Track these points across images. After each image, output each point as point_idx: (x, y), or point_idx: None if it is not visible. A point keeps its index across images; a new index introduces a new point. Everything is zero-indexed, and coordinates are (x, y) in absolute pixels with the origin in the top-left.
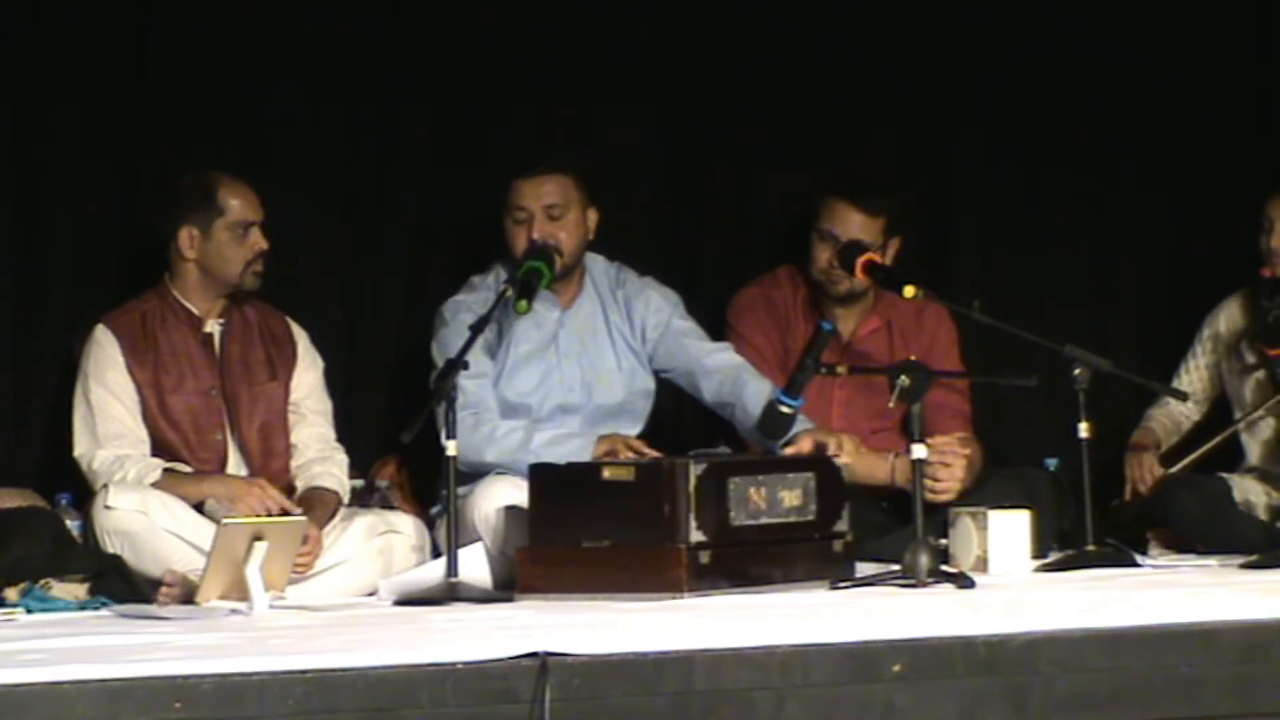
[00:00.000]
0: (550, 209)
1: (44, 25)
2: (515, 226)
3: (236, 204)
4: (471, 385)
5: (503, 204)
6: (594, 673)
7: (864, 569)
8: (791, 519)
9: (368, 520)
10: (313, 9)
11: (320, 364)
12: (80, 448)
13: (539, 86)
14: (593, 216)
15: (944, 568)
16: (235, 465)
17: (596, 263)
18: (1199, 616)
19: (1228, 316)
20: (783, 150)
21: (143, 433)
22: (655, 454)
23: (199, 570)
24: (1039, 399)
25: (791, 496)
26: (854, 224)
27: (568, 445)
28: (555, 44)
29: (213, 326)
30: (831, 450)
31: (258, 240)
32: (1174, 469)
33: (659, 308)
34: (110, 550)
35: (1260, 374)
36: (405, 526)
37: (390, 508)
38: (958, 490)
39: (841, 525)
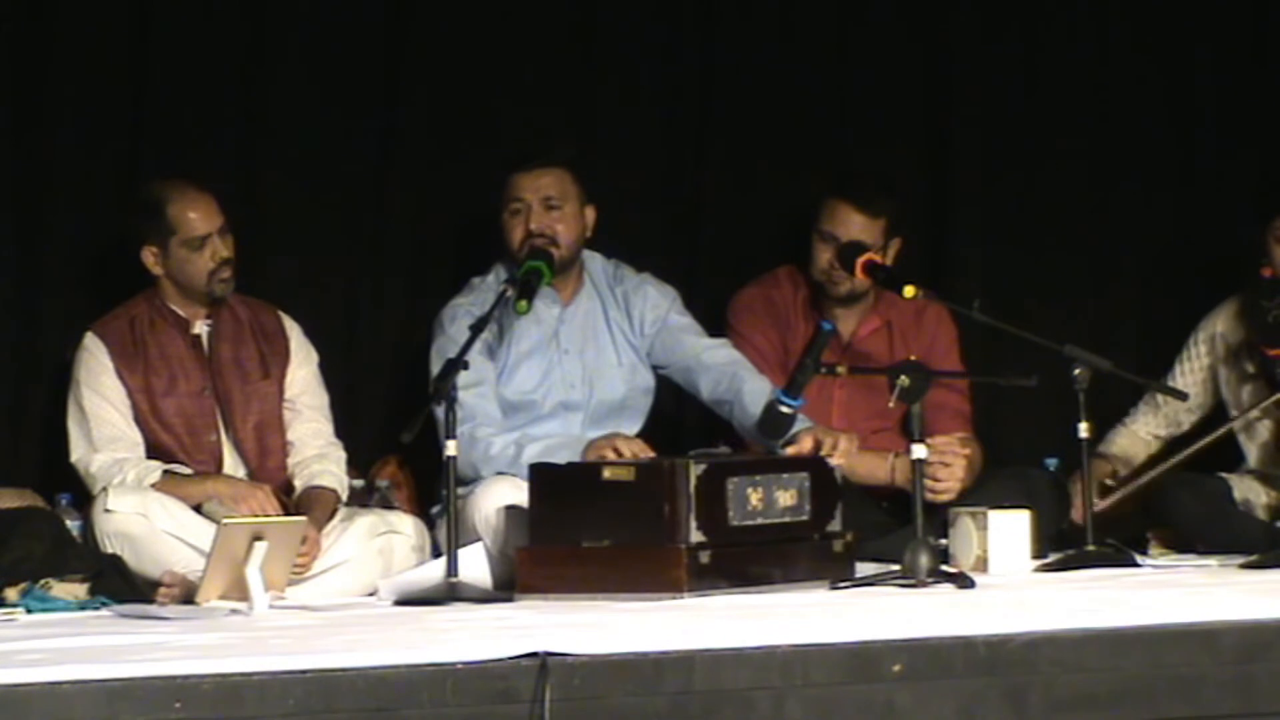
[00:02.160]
0: (548, 200)
1: (43, 26)
2: (512, 218)
3: (189, 218)
4: (467, 397)
5: (500, 198)
6: (594, 673)
7: (864, 569)
8: (786, 519)
9: (368, 520)
10: (312, 8)
11: (315, 357)
12: (76, 453)
13: (539, 85)
14: (590, 213)
15: (944, 568)
16: (231, 466)
17: (595, 260)
18: (1199, 616)
19: (1226, 320)
20: (783, 150)
21: (137, 436)
22: (650, 452)
23: (198, 571)
24: (1039, 399)
25: (787, 496)
26: (855, 225)
27: (557, 457)
28: (555, 43)
29: (200, 328)
30: (825, 450)
31: (217, 250)
32: (1112, 498)
33: (656, 303)
34: (110, 552)
35: (1259, 378)
36: (405, 526)
37: (390, 508)
38: (958, 490)
39: (835, 525)
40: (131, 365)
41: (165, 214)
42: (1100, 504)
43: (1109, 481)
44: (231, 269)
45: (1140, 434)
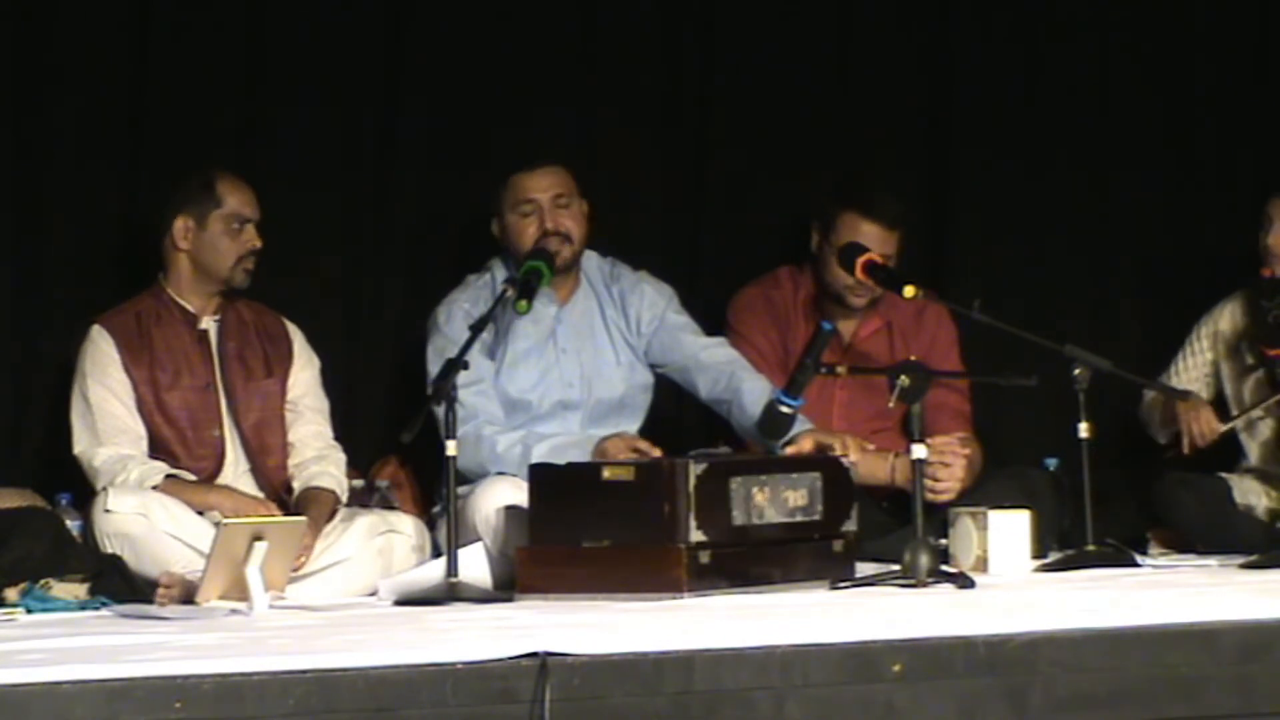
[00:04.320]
0: (558, 199)
1: (43, 26)
2: (523, 220)
3: (234, 198)
4: (467, 395)
5: (505, 202)
6: (594, 673)
7: (864, 569)
8: (797, 519)
9: (368, 520)
10: (312, 8)
11: (316, 362)
12: (80, 446)
13: (539, 86)
14: (586, 207)
15: (944, 568)
16: (233, 461)
17: (590, 259)
18: (1199, 616)
19: (1229, 316)
20: (783, 150)
21: (141, 430)
22: (657, 451)
23: (198, 571)
24: (1039, 399)
25: (796, 497)
26: (875, 240)
27: (566, 455)
28: (555, 43)
29: (208, 323)
30: (838, 451)
31: (252, 238)
32: (1228, 425)
33: (653, 301)
34: (110, 552)
35: (1260, 374)
36: (405, 526)
37: (390, 508)
38: (958, 490)
39: (850, 525)
40: (137, 358)
41: (215, 187)
42: (1225, 426)
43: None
44: (255, 263)
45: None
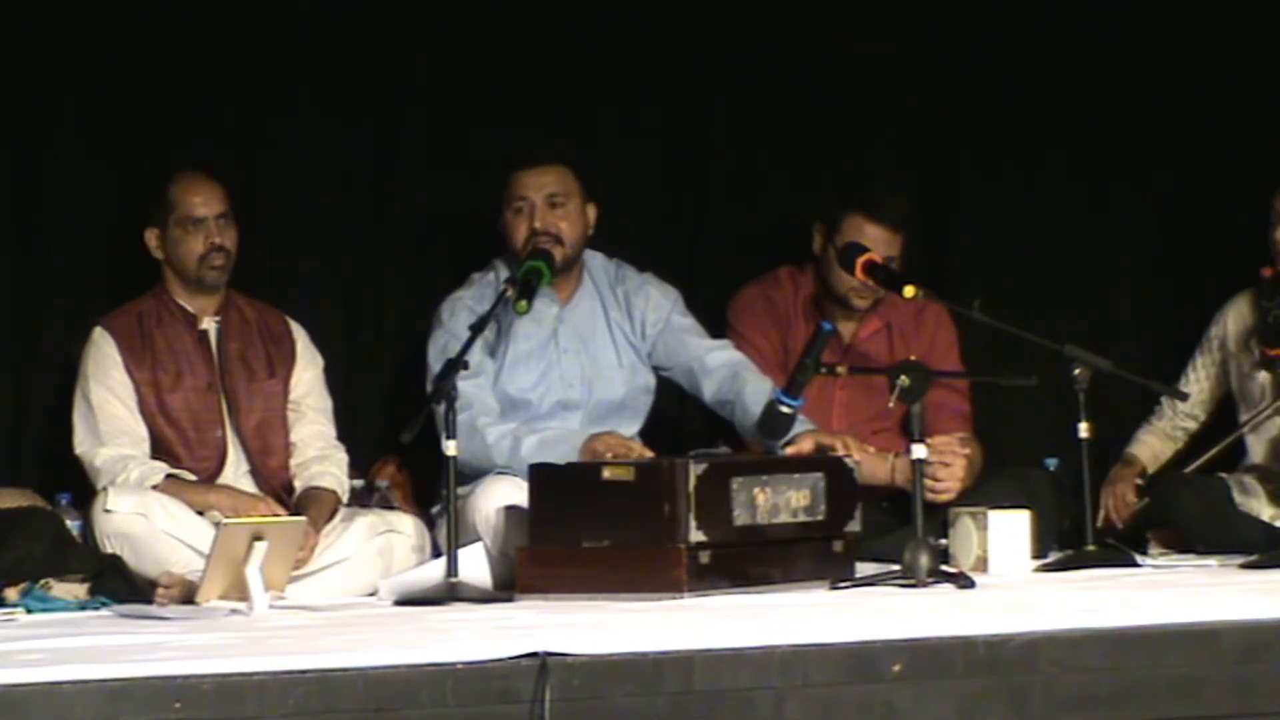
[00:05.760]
0: (551, 198)
1: (43, 26)
2: (515, 217)
3: (186, 199)
4: (466, 386)
5: (502, 196)
6: (594, 673)
7: (864, 569)
8: (801, 519)
9: (368, 520)
10: (312, 8)
11: (320, 362)
12: (81, 446)
13: (539, 87)
14: (592, 211)
15: (944, 568)
16: (235, 462)
17: (595, 259)
18: (1199, 616)
19: (1236, 316)
20: (783, 150)
21: (143, 431)
22: (645, 451)
23: (198, 571)
24: (1039, 399)
25: (799, 497)
26: (881, 242)
27: (555, 450)
28: (556, 43)
29: (209, 324)
30: (841, 452)
31: (212, 235)
32: (1142, 503)
33: (658, 304)
34: (110, 552)
35: (1264, 374)
36: (405, 526)
37: (390, 508)
38: (958, 490)
39: (854, 525)
40: (139, 360)
41: (167, 193)
42: (1140, 503)
43: (1139, 482)
44: (225, 258)
45: (1168, 430)
